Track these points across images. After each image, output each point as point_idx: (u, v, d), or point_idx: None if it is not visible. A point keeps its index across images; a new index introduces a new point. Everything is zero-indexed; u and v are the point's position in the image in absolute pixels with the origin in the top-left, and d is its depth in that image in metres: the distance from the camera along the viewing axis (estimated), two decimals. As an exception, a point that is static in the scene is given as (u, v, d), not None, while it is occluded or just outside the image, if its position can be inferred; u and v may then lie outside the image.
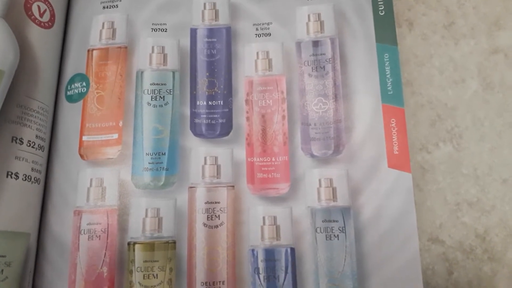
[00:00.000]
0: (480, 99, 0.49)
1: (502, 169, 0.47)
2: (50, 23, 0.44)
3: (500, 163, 0.47)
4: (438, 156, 0.48)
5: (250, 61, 0.45)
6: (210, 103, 0.44)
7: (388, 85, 0.42)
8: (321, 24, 0.45)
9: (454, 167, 0.48)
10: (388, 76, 0.42)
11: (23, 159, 0.40)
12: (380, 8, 0.44)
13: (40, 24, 0.43)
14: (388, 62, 0.43)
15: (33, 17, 0.42)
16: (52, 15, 0.45)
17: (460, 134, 0.49)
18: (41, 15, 0.43)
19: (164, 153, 0.42)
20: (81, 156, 0.43)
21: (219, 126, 0.43)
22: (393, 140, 0.41)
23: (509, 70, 0.50)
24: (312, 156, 0.42)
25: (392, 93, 0.42)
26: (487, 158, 0.48)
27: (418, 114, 0.50)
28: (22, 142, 0.40)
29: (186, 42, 0.46)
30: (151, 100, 0.43)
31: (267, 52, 0.45)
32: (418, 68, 0.51)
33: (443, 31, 0.53)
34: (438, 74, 0.51)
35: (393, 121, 0.41)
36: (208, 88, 0.44)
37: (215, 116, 0.43)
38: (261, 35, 0.46)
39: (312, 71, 0.44)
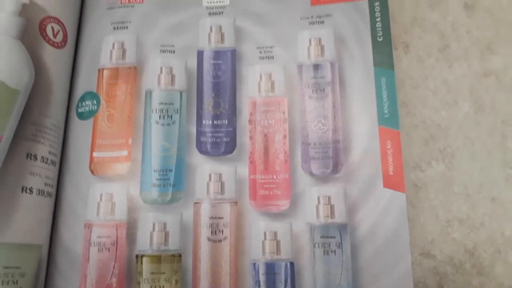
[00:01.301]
0: (472, 120, 0.52)
1: (491, 187, 0.49)
2: (63, 43, 0.46)
3: (489, 181, 0.49)
4: (431, 175, 0.51)
5: (254, 83, 0.47)
6: (215, 122, 0.46)
7: (384, 108, 0.44)
8: (322, 48, 0.47)
9: (446, 185, 0.50)
10: (384, 99, 0.45)
11: (37, 175, 0.42)
12: (378, 34, 0.46)
13: (54, 44, 0.45)
14: (385, 86, 0.45)
15: (47, 38, 0.44)
16: (65, 35, 0.46)
17: (452, 154, 0.51)
18: (54, 36, 0.45)
19: (171, 170, 0.44)
20: (92, 171, 0.45)
21: (224, 145, 0.46)
22: (389, 161, 0.43)
23: (499, 92, 0.52)
24: (312, 174, 0.44)
25: (388, 116, 0.44)
26: (477, 177, 0.50)
27: (412, 134, 0.52)
28: (36, 158, 0.42)
29: (193, 63, 0.48)
30: (159, 118, 0.45)
31: (270, 74, 0.47)
32: (413, 89, 0.53)
33: (437, 54, 0.55)
34: (432, 95, 0.53)
35: (388, 143, 0.43)
36: (214, 108, 0.46)
37: (220, 134, 0.45)
38: (265, 57, 0.48)
39: (313, 93, 0.46)
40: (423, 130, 0.52)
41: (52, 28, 0.45)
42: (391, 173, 0.43)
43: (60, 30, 0.46)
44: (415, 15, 0.55)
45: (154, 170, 0.43)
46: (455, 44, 0.54)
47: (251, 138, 0.45)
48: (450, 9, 0.55)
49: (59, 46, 0.45)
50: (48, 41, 0.44)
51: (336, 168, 0.43)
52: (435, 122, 0.52)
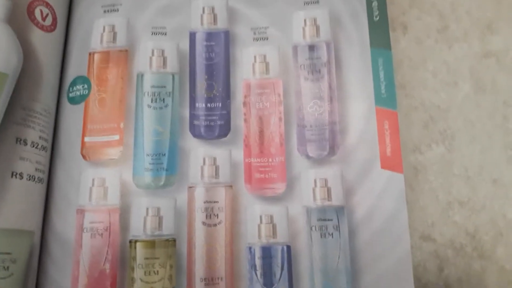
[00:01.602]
0: (472, 102, 0.51)
1: (492, 169, 0.48)
2: (52, 27, 0.45)
3: (490, 163, 0.49)
4: (431, 157, 0.50)
5: (248, 65, 0.46)
6: (208, 105, 0.45)
7: (381, 89, 0.43)
8: (317, 28, 0.46)
9: (446, 167, 0.49)
10: (382, 79, 0.44)
11: (27, 160, 0.41)
12: (374, 14, 0.45)
13: (42, 27, 0.44)
14: (382, 66, 0.44)
15: (36, 21, 0.43)
16: (54, 19, 0.46)
17: (452, 136, 0.50)
18: (43, 19, 0.44)
19: (164, 154, 0.43)
20: (83, 156, 0.44)
21: (218, 128, 0.45)
22: (386, 142, 0.42)
23: (500, 73, 0.52)
24: (308, 157, 0.44)
25: (386, 96, 0.43)
26: (478, 159, 0.49)
27: (411, 116, 0.51)
28: (26, 143, 0.41)
29: (186, 45, 0.47)
30: (151, 102, 0.44)
31: (264, 56, 0.46)
32: (411, 71, 0.52)
33: (436, 35, 0.54)
34: (431, 77, 0.52)
35: (386, 123, 0.43)
36: (207, 90, 0.45)
37: (214, 118, 0.45)
38: (259, 39, 0.47)
39: (308, 74, 0.45)
40: (423, 112, 0.51)
41: (41, 11, 0.44)
42: (388, 154, 0.42)
43: (49, 14, 0.45)
44: (413, -5, 0.54)
45: (147, 155, 0.43)
46: (454, 24, 0.53)
47: (245, 121, 0.45)
48: None
49: (48, 29, 0.45)
50: (37, 24, 0.43)
51: (332, 150, 0.43)
52: (435, 104, 0.51)
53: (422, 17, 0.55)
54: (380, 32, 0.45)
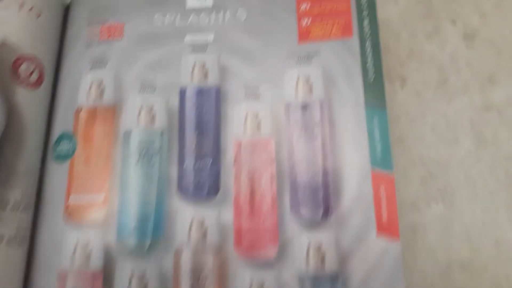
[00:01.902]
0: (473, 157, 0.49)
1: (495, 228, 0.46)
2: (38, 83, 0.44)
3: (492, 222, 0.46)
4: (430, 216, 0.48)
5: (239, 123, 0.44)
6: (198, 163, 0.43)
7: (377, 150, 0.42)
8: (310, 87, 0.44)
9: (446, 227, 0.47)
10: (377, 140, 0.42)
11: (8, 222, 0.40)
12: (369, 74, 0.44)
13: (28, 85, 0.43)
14: (377, 126, 0.42)
15: (20, 79, 0.42)
16: (41, 74, 0.44)
17: (452, 193, 0.48)
18: (29, 75, 0.43)
19: (150, 216, 0.41)
20: (67, 217, 0.43)
21: (207, 187, 0.43)
22: (382, 207, 0.40)
23: (502, 127, 0.50)
24: (301, 219, 0.42)
25: (381, 158, 0.41)
26: (479, 217, 0.47)
27: (409, 173, 0.49)
28: (8, 204, 0.40)
29: (175, 101, 0.46)
30: (138, 160, 0.42)
31: (256, 114, 0.44)
32: (410, 125, 0.51)
33: (436, 88, 0.52)
34: (430, 131, 0.51)
35: (382, 188, 0.41)
36: (197, 148, 0.44)
37: (203, 176, 0.43)
38: (251, 96, 0.46)
39: (301, 133, 0.43)
40: (421, 167, 0.49)
41: (27, 67, 0.43)
42: (385, 220, 0.40)
43: (36, 69, 0.44)
44: (412, 46, 0.53)
45: (132, 216, 0.41)
46: (454, 77, 0.52)
47: (236, 180, 0.43)
48: (449, 40, 0.53)
49: (33, 86, 0.43)
50: (22, 82, 0.42)
51: (326, 213, 0.41)
52: (434, 159, 0.49)
53: (421, 69, 0.53)
54: (375, 92, 0.43)
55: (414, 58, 0.53)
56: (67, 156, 0.45)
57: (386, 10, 0.56)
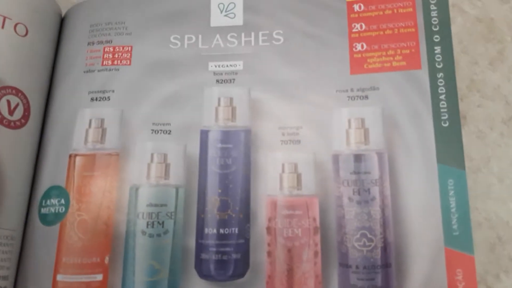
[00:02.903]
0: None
1: None
2: (23, 121, 0.35)
3: None
4: (501, 291, 0.39)
5: (274, 176, 0.36)
6: (221, 231, 0.36)
7: (453, 223, 0.34)
8: (365, 132, 0.36)
9: (521, 307, 0.39)
10: (453, 210, 0.34)
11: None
12: (443, 118, 0.35)
13: (9, 124, 0.34)
14: (453, 192, 0.34)
15: (0, 116, 0.33)
16: (26, 110, 0.35)
17: (528, 262, 0.40)
18: (11, 112, 0.34)
19: (161, 302, 0.32)
20: (54, 304, 0.33)
21: (233, 264, 0.35)
22: (460, 298, 0.32)
23: None
24: (354, 311, 0.33)
25: (459, 234, 0.33)
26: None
27: (474, 236, 0.41)
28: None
29: (195, 148, 0.38)
30: (147, 227, 0.35)
31: (296, 165, 0.36)
32: (473, 174, 0.43)
33: (501, 127, 0.44)
34: (497, 182, 0.42)
35: (459, 272, 0.32)
36: (220, 210, 0.36)
37: (228, 249, 0.35)
38: (288, 142, 0.38)
39: (354, 194, 0.35)
40: (488, 229, 0.41)
41: (8, 102, 0.34)
42: (464, 316, 0.31)
43: (20, 104, 0.34)
44: (472, 76, 0.44)
45: (138, 303, 0.32)
46: None
47: (269, 254, 0.35)
48: None
49: (16, 125, 0.34)
50: (1, 121, 0.32)
51: (386, 303, 0.32)
52: (503, 219, 0.41)
53: (484, 104, 0.44)
54: (450, 143, 0.35)
55: (475, 90, 0.45)
56: (57, 217, 0.36)
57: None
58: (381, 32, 0.39)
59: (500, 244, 0.42)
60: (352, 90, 0.38)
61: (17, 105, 0.36)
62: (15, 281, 0.36)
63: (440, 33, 0.38)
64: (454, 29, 0.48)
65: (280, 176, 0.37)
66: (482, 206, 0.43)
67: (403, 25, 0.39)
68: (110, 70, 0.40)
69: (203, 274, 0.35)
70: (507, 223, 0.43)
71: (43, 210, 0.37)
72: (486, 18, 0.48)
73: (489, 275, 0.41)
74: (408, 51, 0.38)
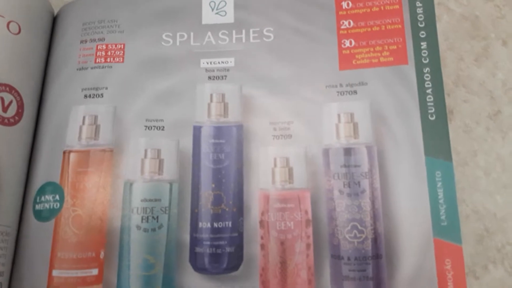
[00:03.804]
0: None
1: None
2: (16, 118, 0.35)
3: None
4: (488, 282, 0.40)
5: (266, 170, 0.37)
6: (215, 225, 0.36)
7: (441, 214, 0.34)
8: (355, 126, 0.37)
9: (508, 296, 0.39)
10: (441, 201, 0.34)
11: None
12: (430, 111, 0.36)
13: (3, 121, 0.34)
14: (440, 183, 0.34)
15: (-6, 113, 0.33)
16: (20, 107, 0.35)
17: (514, 252, 0.40)
18: (4, 109, 0.34)
19: (157, 295, 0.32)
20: (50, 298, 0.34)
21: (227, 257, 0.35)
22: (449, 287, 0.32)
23: None
24: (346, 302, 0.33)
25: (447, 225, 0.33)
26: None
27: (462, 228, 0.41)
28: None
29: (188, 143, 0.38)
30: (142, 222, 0.35)
31: (287, 159, 0.37)
32: (460, 168, 0.43)
33: (488, 122, 0.44)
34: (483, 176, 0.42)
35: (448, 262, 0.33)
36: (214, 204, 0.36)
37: (222, 243, 0.35)
38: (280, 136, 0.38)
39: (344, 187, 0.36)
40: (476, 221, 0.41)
41: (2, 99, 0.33)
42: (453, 304, 0.32)
43: (13, 101, 0.34)
44: (458, 72, 0.45)
45: (133, 297, 0.32)
46: (508, 108, 0.44)
47: (262, 247, 0.35)
48: (499, 64, 0.46)
49: (10, 122, 0.34)
50: (-5, 118, 0.33)
51: (377, 294, 0.32)
52: (490, 211, 0.41)
53: (470, 99, 0.45)
54: (437, 135, 0.36)
55: (462, 85, 0.45)
56: (52, 213, 0.36)
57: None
58: (369, 29, 0.39)
59: (488, 235, 0.43)
60: (341, 85, 0.38)
61: (11, 102, 0.36)
62: (10, 277, 0.36)
63: (426, 29, 0.39)
64: (440, 26, 0.49)
65: (272, 170, 0.37)
66: (470, 199, 0.44)
67: (390, 22, 0.39)
68: (103, 67, 0.40)
69: (198, 268, 0.35)
70: (494, 215, 0.43)
71: (38, 207, 0.37)
72: (471, 15, 0.49)
73: (477, 266, 0.42)
74: (395, 47, 0.39)
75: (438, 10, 0.48)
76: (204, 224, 0.36)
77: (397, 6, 0.39)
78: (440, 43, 0.47)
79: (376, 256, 0.34)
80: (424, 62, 0.38)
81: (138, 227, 0.34)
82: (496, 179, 0.44)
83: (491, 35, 0.48)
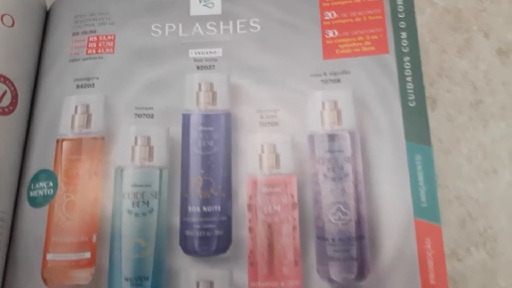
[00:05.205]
0: (515, 192, 0.42)
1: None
2: (11, 107, 0.36)
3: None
4: (470, 265, 0.41)
5: (254, 156, 0.37)
6: (204, 209, 0.36)
7: (421, 196, 0.35)
8: (338, 114, 0.38)
9: (489, 278, 0.41)
10: (421, 183, 0.35)
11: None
12: (409, 98, 0.37)
13: (-2, 110, 0.35)
14: (420, 167, 0.35)
15: (-11, 103, 0.34)
16: (14, 97, 0.36)
17: (494, 237, 0.42)
18: (-1, 99, 0.35)
19: (147, 278, 0.34)
20: (44, 280, 0.35)
21: (216, 240, 0.36)
22: (429, 266, 0.34)
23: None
24: (330, 281, 0.35)
25: (427, 206, 0.34)
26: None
27: (445, 213, 0.42)
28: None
29: (177, 130, 0.39)
30: (133, 206, 0.35)
31: (274, 146, 0.38)
32: (443, 156, 0.44)
33: (470, 111, 0.45)
34: (466, 163, 0.43)
35: (428, 241, 0.34)
36: (203, 189, 0.36)
37: (211, 226, 0.36)
38: (267, 124, 0.39)
39: (328, 171, 0.36)
40: (459, 207, 0.42)
41: (-4, 89, 0.34)
42: (432, 282, 0.33)
43: (8, 91, 0.35)
44: (442, 63, 0.46)
45: (125, 279, 0.34)
46: (489, 98, 0.44)
47: (251, 230, 0.36)
48: (481, 55, 0.46)
49: (4, 112, 0.35)
50: (-10, 107, 0.34)
51: (361, 272, 0.35)
52: (472, 197, 0.42)
53: (453, 89, 0.46)
54: (417, 121, 0.36)
55: (444, 76, 0.46)
56: (46, 199, 0.37)
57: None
58: (351, 20, 0.41)
59: (471, 220, 0.44)
60: (325, 74, 0.40)
61: (5, 92, 0.37)
62: (6, 262, 0.37)
63: (405, 20, 0.40)
64: (423, 19, 0.50)
65: (260, 156, 0.38)
66: (452, 185, 0.45)
67: (372, 13, 0.40)
68: (94, 58, 0.41)
69: (188, 250, 0.36)
70: (476, 200, 0.44)
71: (32, 193, 0.38)
72: (454, 9, 0.50)
73: (460, 249, 0.43)
74: (376, 37, 0.40)
75: (421, 3, 0.49)
76: (194, 208, 0.36)
77: (378, -2, 0.40)
78: (423, 36, 0.48)
79: (360, 237, 0.35)
80: (404, 51, 0.39)
81: (130, 212, 0.35)
82: (478, 166, 0.45)
83: (473, 28, 0.49)
